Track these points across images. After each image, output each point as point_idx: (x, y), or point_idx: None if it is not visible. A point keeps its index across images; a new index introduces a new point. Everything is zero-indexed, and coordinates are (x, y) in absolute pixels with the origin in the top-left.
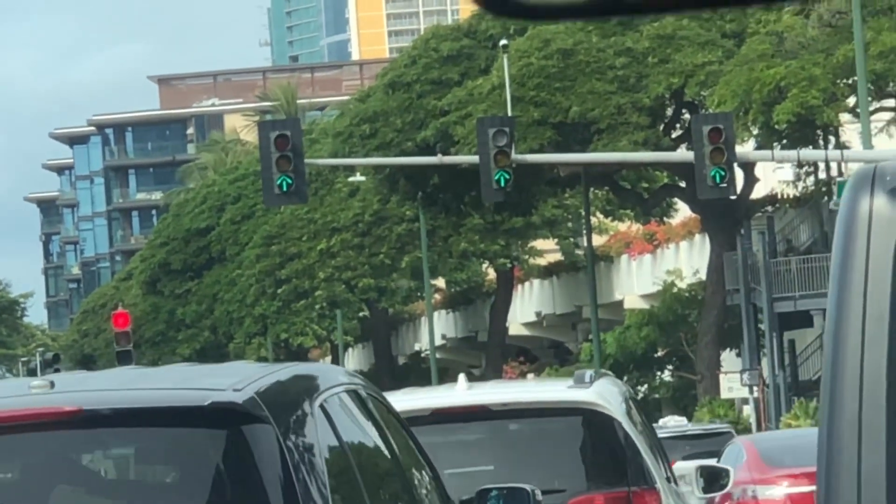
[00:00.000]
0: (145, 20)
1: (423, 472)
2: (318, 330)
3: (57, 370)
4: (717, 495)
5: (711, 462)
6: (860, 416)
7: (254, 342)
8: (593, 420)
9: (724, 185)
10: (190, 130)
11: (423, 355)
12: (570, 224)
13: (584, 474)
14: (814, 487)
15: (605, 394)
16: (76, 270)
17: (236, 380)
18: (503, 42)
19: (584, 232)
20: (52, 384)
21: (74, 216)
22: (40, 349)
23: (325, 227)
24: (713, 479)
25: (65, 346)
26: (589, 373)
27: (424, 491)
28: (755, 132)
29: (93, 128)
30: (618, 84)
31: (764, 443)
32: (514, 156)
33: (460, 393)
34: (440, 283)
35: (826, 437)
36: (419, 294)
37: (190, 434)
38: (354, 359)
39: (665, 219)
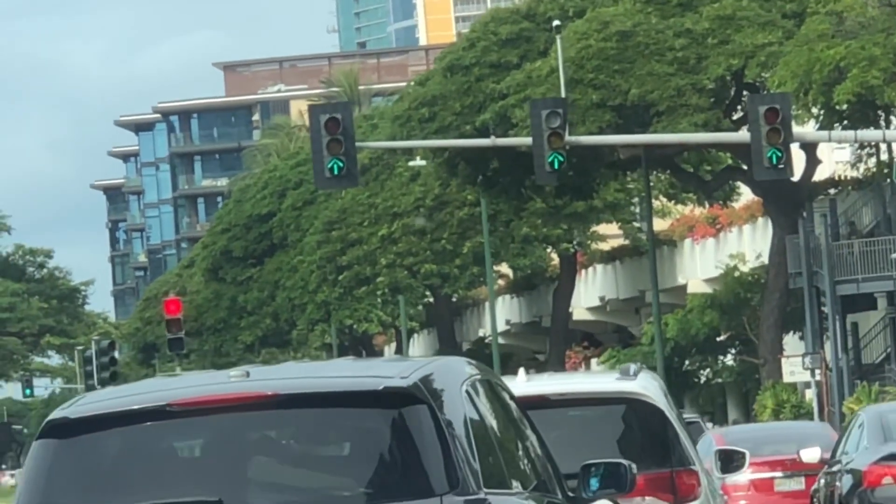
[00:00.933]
0: (214, 9)
1: (540, 448)
2: (383, 316)
3: (113, 359)
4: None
5: (729, 447)
6: None
7: (317, 329)
8: (640, 409)
9: (782, 166)
10: (255, 117)
11: (486, 341)
12: (632, 208)
13: (633, 457)
14: (773, 474)
15: (648, 385)
16: (142, 258)
17: (399, 370)
18: (556, 22)
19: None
20: (248, 374)
21: (140, 203)
22: (96, 338)
23: (386, 212)
24: (729, 461)
25: (127, 334)
26: (633, 366)
27: (541, 463)
28: (816, 113)
29: (158, 115)
30: (677, 66)
31: (731, 434)
32: (568, 137)
33: (520, 384)
34: (504, 268)
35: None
36: (482, 279)
37: (367, 413)
38: (420, 345)
39: (728, 202)
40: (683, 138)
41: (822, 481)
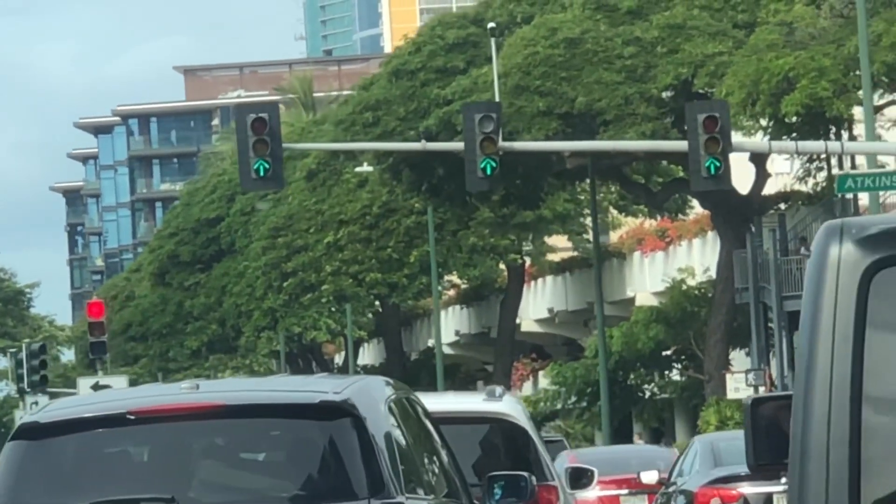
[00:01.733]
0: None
1: (449, 459)
2: (332, 324)
3: (43, 362)
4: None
5: (579, 464)
6: (829, 416)
7: (263, 336)
8: (505, 428)
9: (719, 176)
10: (215, 122)
11: (435, 351)
12: (582, 219)
13: (502, 469)
14: (619, 492)
15: (512, 407)
16: (100, 262)
17: (332, 386)
18: (491, 25)
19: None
20: (198, 386)
21: (99, 206)
22: (27, 341)
23: (333, 219)
24: (579, 478)
25: (74, 337)
26: (499, 389)
27: (451, 473)
28: (764, 124)
29: (117, 118)
30: (626, 74)
31: (582, 455)
32: (502, 143)
33: None
34: (455, 278)
35: (800, 435)
36: (431, 289)
37: (304, 423)
38: (369, 354)
39: (680, 215)
40: (621, 145)
41: (660, 500)
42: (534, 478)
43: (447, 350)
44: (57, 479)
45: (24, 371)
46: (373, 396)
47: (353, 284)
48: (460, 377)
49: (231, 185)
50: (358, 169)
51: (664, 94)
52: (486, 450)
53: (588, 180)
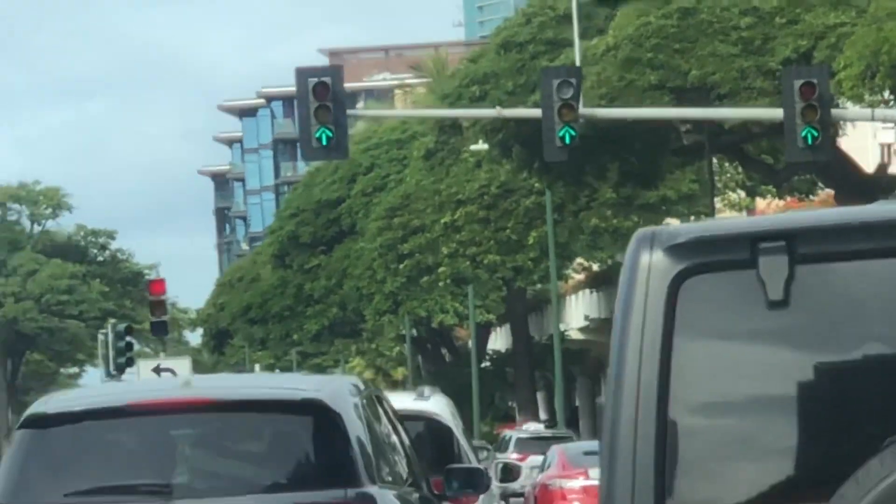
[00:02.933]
0: (350, 3)
1: (411, 451)
2: (459, 308)
3: (129, 344)
4: (516, 484)
5: (507, 459)
6: (636, 422)
7: (383, 319)
8: (432, 425)
9: (818, 146)
10: (360, 104)
11: (566, 336)
12: (709, 200)
13: (426, 463)
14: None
15: (439, 406)
16: (245, 245)
17: (312, 384)
18: None
19: (719, 205)
20: (190, 383)
21: (244, 190)
22: (112, 321)
23: (450, 199)
24: (508, 472)
25: (198, 320)
26: (427, 389)
27: (413, 465)
28: (887, 97)
29: (262, 100)
30: (742, 46)
31: (570, 450)
32: (583, 110)
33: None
34: (585, 262)
35: (609, 439)
36: (560, 273)
37: (287, 418)
38: (500, 339)
39: (810, 196)
40: (709, 113)
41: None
42: (488, 471)
43: (577, 335)
44: (60, 466)
45: (109, 353)
46: (347, 394)
47: (470, 267)
48: (591, 362)
49: (352, 166)
50: (473, 147)
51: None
52: (414, 445)
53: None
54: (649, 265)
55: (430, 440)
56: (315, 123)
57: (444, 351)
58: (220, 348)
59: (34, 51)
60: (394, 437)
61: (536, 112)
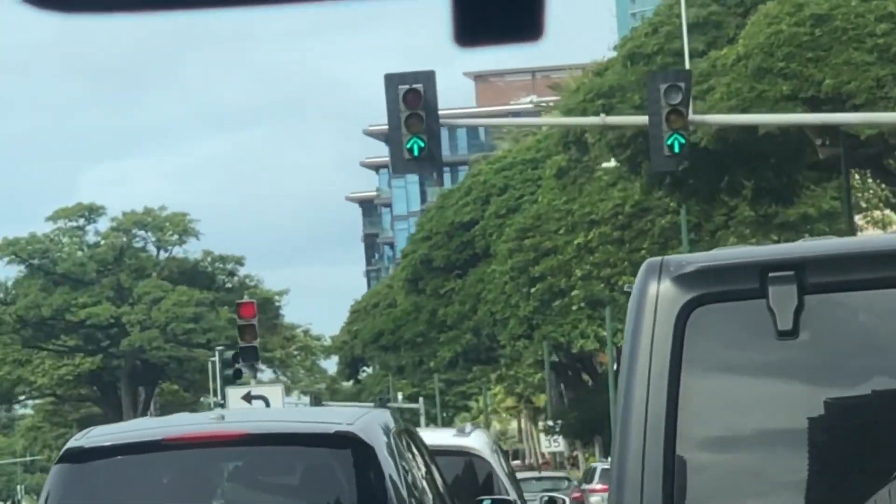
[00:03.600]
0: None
1: (442, 483)
2: (600, 332)
3: (238, 371)
4: None
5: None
6: (644, 449)
7: (518, 344)
8: (472, 460)
9: None
10: (505, 129)
11: None
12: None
13: (466, 496)
14: None
15: (479, 441)
16: (392, 272)
17: (346, 417)
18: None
19: (861, 223)
20: (223, 417)
21: (392, 215)
22: (220, 347)
23: (583, 219)
24: None
25: (333, 347)
26: (468, 426)
27: (445, 495)
28: None
29: None
30: (878, 54)
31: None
32: (692, 116)
33: None
34: None
35: (616, 473)
36: None
37: (320, 451)
38: None
39: None
40: (830, 118)
41: None
42: (518, 501)
43: None
44: (98, 499)
45: (217, 379)
46: (380, 427)
47: (604, 289)
48: None
49: (486, 187)
50: (605, 165)
51: None
52: (454, 478)
53: (852, 172)
54: (657, 294)
55: (471, 475)
56: (406, 133)
57: (585, 377)
58: (354, 376)
59: (189, 82)
60: (425, 470)
61: (643, 119)
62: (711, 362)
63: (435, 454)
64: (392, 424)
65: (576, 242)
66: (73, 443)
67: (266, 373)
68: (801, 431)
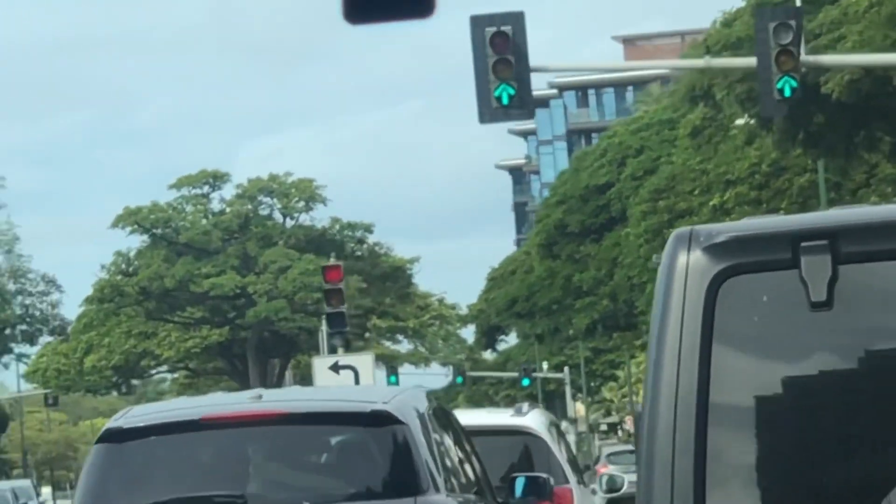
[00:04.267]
0: None
1: (477, 461)
2: None
3: (346, 340)
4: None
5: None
6: (675, 425)
7: None
8: (528, 439)
9: None
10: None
11: None
12: None
13: (525, 474)
14: None
15: (535, 421)
16: None
17: (381, 396)
18: None
19: None
20: (261, 396)
21: (541, 183)
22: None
23: (719, 179)
24: (612, 482)
25: (469, 316)
26: (525, 406)
27: (480, 474)
28: None
29: (554, 90)
30: None
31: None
32: (804, 57)
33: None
34: None
35: (646, 449)
36: None
37: (356, 430)
38: None
39: None
40: None
41: None
42: (552, 479)
43: None
44: (137, 478)
45: (323, 346)
46: (415, 406)
47: None
48: None
49: (621, 148)
50: (738, 122)
51: None
52: (512, 456)
53: None
54: (687, 265)
55: (527, 453)
56: (494, 80)
57: None
58: (492, 345)
59: (346, 55)
60: (460, 448)
61: (751, 61)
62: (743, 335)
63: (493, 433)
64: (426, 404)
65: (711, 204)
66: (112, 423)
67: (403, 343)
68: (836, 404)
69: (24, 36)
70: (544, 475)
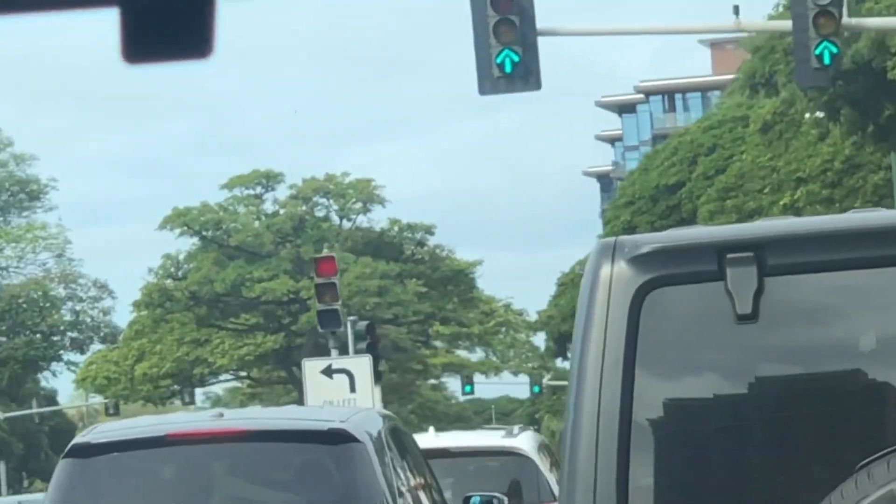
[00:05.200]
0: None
1: (431, 478)
2: None
3: (371, 344)
4: None
5: None
6: (596, 443)
7: None
8: (518, 459)
9: None
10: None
11: None
12: None
13: (512, 492)
14: None
15: (525, 442)
16: None
17: (338, 416)
18: None
19: None
20: (222, 415)
21: None
22: (351, 318)
23: (789, 176)
24: None
25: (538, 323)
26: (516, 428)
27: (433, 488)
28: None
29: (641, 95)
30: None
31: None
32: (846, 20)
33: (430, 439)
34: None
35: (568, 461)
36: None
37: (314, 447)
38: None
39: None
40: None
41: None
42: (506, 498)
43: None
44: (103, 492)
45: (351, 353)
46: (371, 425)
47: None
48: None
49: (693, 147)
50: (808, 115)
51: None
52: (503, 476)
53: None
54: (611, 277)
55: (517, 473)
56: (496, 45)
57: None
58: (563, 353)
59: (442, 64)
60: (414, 465)
61: (786, 24)
62: (668, 349)
63: (485, 454)
64: (382, 423)
65: (781, 203)
66: (78, 439)
67: (476, 353)
68: (761, 419)
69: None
70: (499, 495)
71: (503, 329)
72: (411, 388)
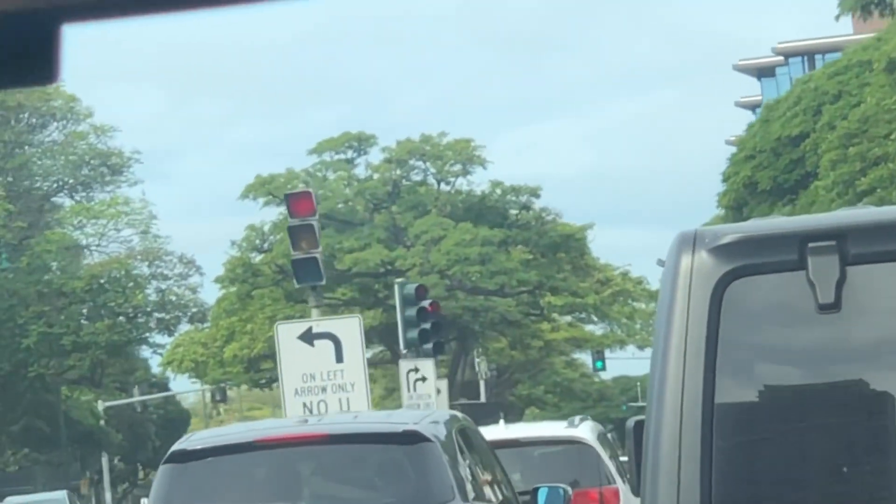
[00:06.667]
0: None
1: (502, 474)
2: None
3: (422, 310)
4: None
5: None
6: (680, 433)
7: None
8: (580, 447)
9: None
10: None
11: None
12: None
13: (576, 477)
14: None
15: (586, 432)
16: None
17: (413, 418)
18: None
19: None
20: (307, 420)
21: None
22: (400, 281)
23: None
24: None
25: (655, 291)
26: (577, 418)
27: (505, 485)
28: None
29: (780, 57)
30: None
31: None
32: None
33: (500, 430)
34: None
35: (651, 450)
36: None
37: (392, 447)
38: None
39: None
40: None
41: None
42: (570, 489)
43: None
44: (200, 494)
45: (399, 322)
46: (443, 426)
47: None
48: None
49: (817, 94)
50: None
51: None
52: (566, 462)
53: None
54: (691, 268)
55: (579, 461)
56: None
57: None
58: None
59: (597, 44)
60: (486, 462)
61: None
62: (749, 338)
63: (549, 443)
64: (453, 425)
65: None
66: (177, 446)
67: (597, 326)
68: (843, 408)
69: (278, 33)
70: (564, 486)
71: (620, 299)
72: (542, 366)
